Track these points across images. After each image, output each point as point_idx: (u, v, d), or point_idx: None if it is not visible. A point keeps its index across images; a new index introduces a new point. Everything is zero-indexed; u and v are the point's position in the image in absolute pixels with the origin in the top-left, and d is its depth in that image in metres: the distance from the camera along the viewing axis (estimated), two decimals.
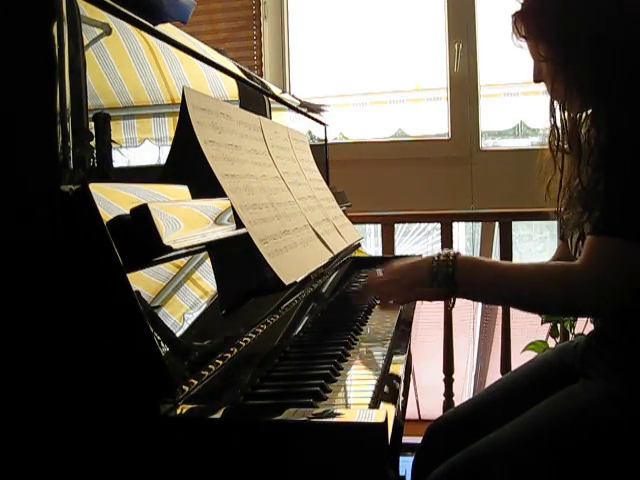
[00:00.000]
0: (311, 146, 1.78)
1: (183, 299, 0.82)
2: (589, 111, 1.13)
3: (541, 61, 1.15)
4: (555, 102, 1.16)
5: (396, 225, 2.59)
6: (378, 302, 1.43)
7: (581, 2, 1.09)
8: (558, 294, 1.07)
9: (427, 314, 2.57)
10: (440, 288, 1.14)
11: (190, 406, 0.70)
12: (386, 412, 0.67)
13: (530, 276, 1.10)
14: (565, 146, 1.16)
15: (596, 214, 1.05)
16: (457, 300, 1.39)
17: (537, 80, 1.19)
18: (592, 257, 1.03)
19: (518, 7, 1.17)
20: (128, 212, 0.74)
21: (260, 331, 0.97)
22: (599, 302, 1.04)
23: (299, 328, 1.18)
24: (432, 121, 2.94)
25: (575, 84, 1.10)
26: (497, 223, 2.48)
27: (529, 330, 2.41)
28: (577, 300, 1.06)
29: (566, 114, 1.15)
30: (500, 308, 2.51)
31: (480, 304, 2.79)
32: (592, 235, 1.05)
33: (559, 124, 1.16)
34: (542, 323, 2.27)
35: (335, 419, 0.68)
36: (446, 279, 1.12)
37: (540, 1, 1.15)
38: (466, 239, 3.69)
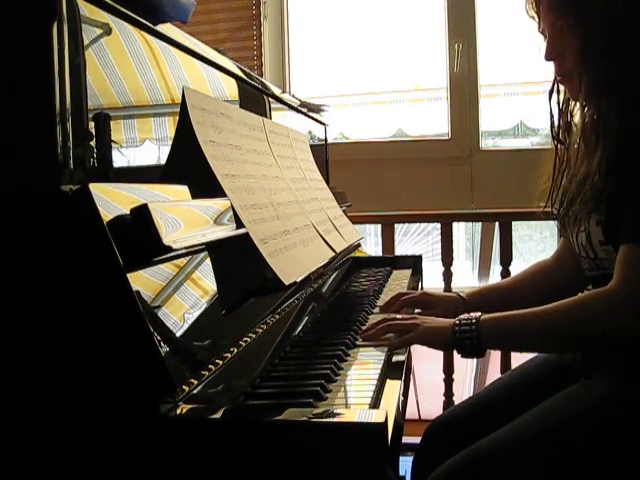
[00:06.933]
0: (311, 146, 1.78)
1: (183, 299, 0.82)
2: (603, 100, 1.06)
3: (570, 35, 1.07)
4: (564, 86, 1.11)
5: (396, 225, 2.59)
6: (378, 304, 1.44)
7: None
8: (599, 326, 1.01)
9: None
10: (466, 353, 1.09)
11: (190, 406, 0.70)
12: (386, 412, 0.67)
13: (562, 319, 1.03)
14: (568, 139, 1.14)
15: (602, 215, 1.04)
16: None
17: (549, 58, 1.13)
18: (629, 271, 0.98)
19: None
20: (128, 212, 0.74)
21: (260, 331, 0.97)
22: None
23: (299, 328, 1.18)
24: (432, 121, 2.94)
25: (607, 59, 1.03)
26: (497, 223, 2.48)
27: None
28: (624, 322, 0.99)
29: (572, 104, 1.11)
30: None
31: None
32: (626, 244, 1.00)
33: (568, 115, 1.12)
34: None
35: (335, 419, 0.68)
36: (472, 349, 1.07)
37: None
38: (466, 239, 3.70)
